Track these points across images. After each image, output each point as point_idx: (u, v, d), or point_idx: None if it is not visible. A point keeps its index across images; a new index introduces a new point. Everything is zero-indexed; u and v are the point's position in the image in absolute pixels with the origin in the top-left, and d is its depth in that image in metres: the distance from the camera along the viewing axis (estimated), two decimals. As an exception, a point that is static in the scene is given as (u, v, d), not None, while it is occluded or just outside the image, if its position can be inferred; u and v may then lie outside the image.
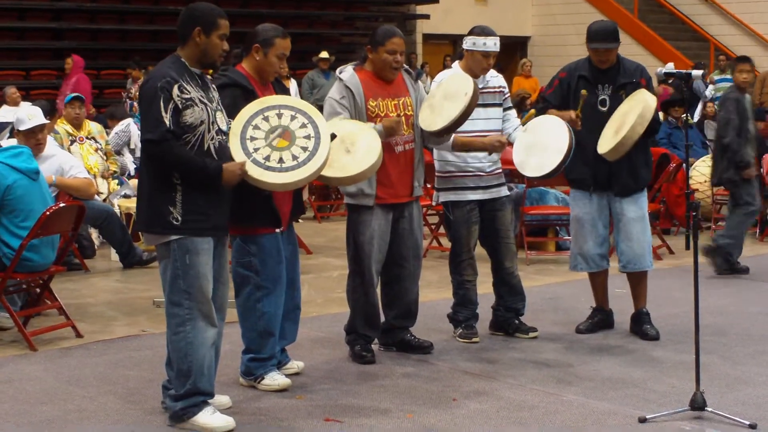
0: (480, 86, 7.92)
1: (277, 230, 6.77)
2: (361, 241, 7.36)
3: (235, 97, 6.58)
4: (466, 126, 7.73)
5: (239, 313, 6.87)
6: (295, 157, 6.29)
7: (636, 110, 7.72)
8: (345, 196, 7.51)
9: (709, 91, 20.17)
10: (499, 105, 8.10)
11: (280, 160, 6.27)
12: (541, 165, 7.73)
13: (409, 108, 7.48)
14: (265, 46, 6.77)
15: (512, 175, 10.46)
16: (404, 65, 7.56)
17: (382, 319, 7.67)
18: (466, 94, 7.34)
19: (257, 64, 6.80)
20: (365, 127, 7.10)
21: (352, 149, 6.91)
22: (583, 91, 7.93)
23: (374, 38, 7.43)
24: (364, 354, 7.49)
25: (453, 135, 7.71)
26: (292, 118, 6.44)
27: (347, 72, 7.42)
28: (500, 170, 8.10)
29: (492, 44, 7.90)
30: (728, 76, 21.70)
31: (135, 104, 16.92)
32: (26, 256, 7.97)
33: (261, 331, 6.78)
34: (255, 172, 6.19)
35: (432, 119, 7.40)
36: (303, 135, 6.38)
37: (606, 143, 7.84)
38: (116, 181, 12.63)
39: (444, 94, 7.46)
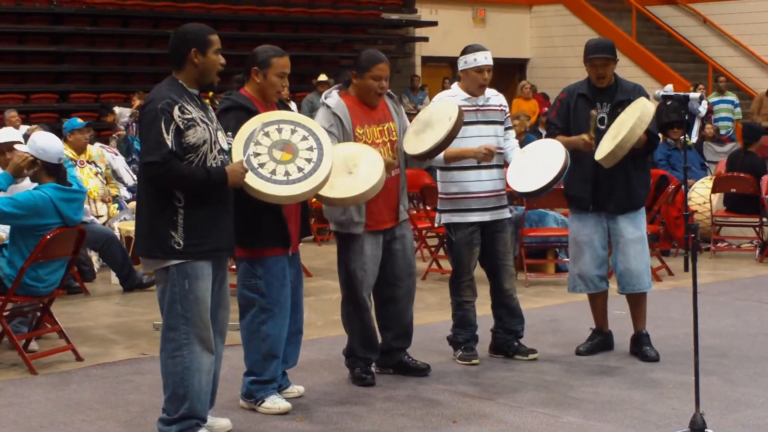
0: (480, 104, 7.97)
1: (288, 252, 6.81)
2: (352, 268, 7.36)
3: (240, 119, 6.59)
4: (469, 143, 7.82)
5: (243, 336, 6.88)
6: (300, 169, 6.33)
7: (635, 114, 7.74)
8: (333, 224, 7.47)
9: (703, 107, 20.21)
10: (501, 123, 8.11)
11: (286, 173, 6.30)
12: (534, 181, 7.73)
13: (393, 134, 7.48)
14: (263, 67, 6.79)
15: (511, 197, 10.47)
16: (389, 90, 7.57)
17: (380, 339, 7.67)
18: (450, 118, 7.37)
19: (258, 86, 6.82)
20: (367, 147, 7.12)
21: (354, 170, 6.93)
22: (593, 111, 7.96)
23: (359, 63, 7.43)
24: (364, 376, 7.49)
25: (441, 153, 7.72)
26: (293, 131, 6.48)
27: (333, 98, 7.40)
28: (504, 191, 8.11)
29: (483, 58, 7.93)
30: (727, 98, 21.80)
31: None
32: (31, 284, 7.99)
33: (264, 354, 6.78)
34: (262, 186, 6.22)
35: (416, 143, 7.41)
36: (305, 147, 6.42)
37: (603, 149, 7.85)
38: (116, 205, 12.64)
39: (429, 119, 7.48)
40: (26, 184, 8.36)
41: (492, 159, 7.88)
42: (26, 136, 9.50)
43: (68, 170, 8.27)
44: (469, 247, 8.00)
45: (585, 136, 7.90)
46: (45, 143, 8.09)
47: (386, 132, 7.44)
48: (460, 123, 7.42)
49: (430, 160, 7.56)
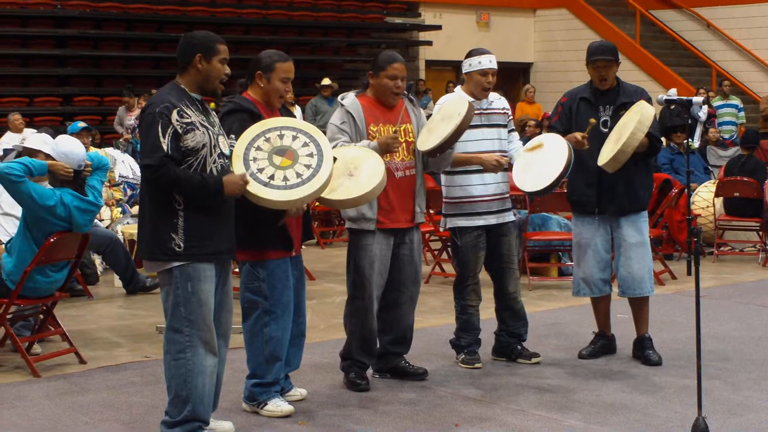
0: (484, 107, 7.98)
1: (290, 254, 6.82)
2: (361, 265, 7.37)
3: (243, 121, 6.62)
4: (473, 147, 7.85)
5: (246, 338, 6.88)
6: (299, 175, 6.34)
7: (635, 118, 7.74)
8: (347, 220, 7.53)
9: (703, 113, 20.22)
10: (504, 126, 8.12)
11: (284, 179, 6.31)
12: (540, 180, 7.72)
13: (410, 134, 7.51)
14: (267, 71, 6.81)
15: (515, 201, 10.47)
16: (406, 92, 7.59)
17: (378, 345, 7.66)
18: (459, 114, 7.37)
19: (262, 90, 6.84)
20: (369, 151, 7.13)
21: (355, 172, 6.95)
22: (592, 120, 7.95)
23: (376, 63, 7.48)
24: (359, 382, 7.47)
25: (453, 153, 7.74)
26: (294, 138, 6.49)
27: (349, 98, 7.46)
28: (508, 195, 8.11)
29: (487, 61, 7.94)
30: (731, 102, 21.78)
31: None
32: (38, 279, 8.00)
33: (267, 356, 6.79)
34: (260, 191, 6.23)
35: (427, 140, 7.43)
36: (306, 153, 6.43)
37: (606, 154, 7.85)
38: (119, 209, 12.66)
39: (441, 117, 7.50)
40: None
41: (500, 170, 7.90)
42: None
43: (89, 180, 8.27)
44: (474, 251, 8.00)
45: (578, 135, 7.90)
46: (68, 148, 8.13)
47: (402, 132, 7.45)
48: (469, 119, 7.42)
49: (441, 157, 7.54)
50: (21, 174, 7.80)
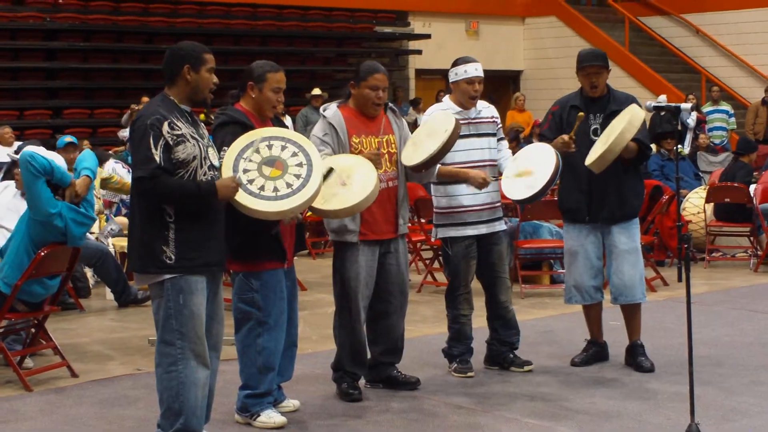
0: (473, 116, 7.99)
1: (284, 265, 6.82)
2: (347, 277, 7.36)
3: (236, 133, 6.61)
4: (463, 157, 7.85)
5: (238, 349, 6.87)
6: (289, 185, 6.34)
7: (625, 118, 7.75)
8: (329, 233, 7.52)
9: (692, 119, 20.26)
10: (493, 135, 8.12)
11: (275, 189, 6.31)
12: (529, 187, 7.72)
13: (393, 145, 7.50)
14: (259, 82, 6.82)
15: (506, 209, 10.47)
16: (389, 103, 7.60)
17: (369, 356, 7.66)
18: (446, 130, 7.38)
19: (254, 101, 6.85)
20: (361, 159, 7.14)
21: (348, 181, 6.95)
22: (581, 114, 7.96)
23: (357, 74, 7.48)
24: (351, 392, 7.47)
25: (438, 165, 7.75)
26: (283, 147, 6.49)
27: (331, 109, 7.46)
28: (499, 204, 8.11)
29: (473, 69, 7.95)
30: (721, 107, 21.83)
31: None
32: (34, 283, 7.99)
33: (260, 367, 6.78)
34: (251, 202, 6.23)
35: (412, 155, 7.43)
36: (295, 163, 6.43)
37: (593, 154, 7.84)
38: (105, 217, 12.64)
39: (427, 132, 7.51)
40: None
41: (488, 187, 7.89)
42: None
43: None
44: (465, 261, 8.00)
45: (565, 136, 7.89)
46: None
47: (385, 143, 7.45)
48: (455, 136, 7.43)
49: (426, 172, 7.56)
50: (39, 170, 7.83)
